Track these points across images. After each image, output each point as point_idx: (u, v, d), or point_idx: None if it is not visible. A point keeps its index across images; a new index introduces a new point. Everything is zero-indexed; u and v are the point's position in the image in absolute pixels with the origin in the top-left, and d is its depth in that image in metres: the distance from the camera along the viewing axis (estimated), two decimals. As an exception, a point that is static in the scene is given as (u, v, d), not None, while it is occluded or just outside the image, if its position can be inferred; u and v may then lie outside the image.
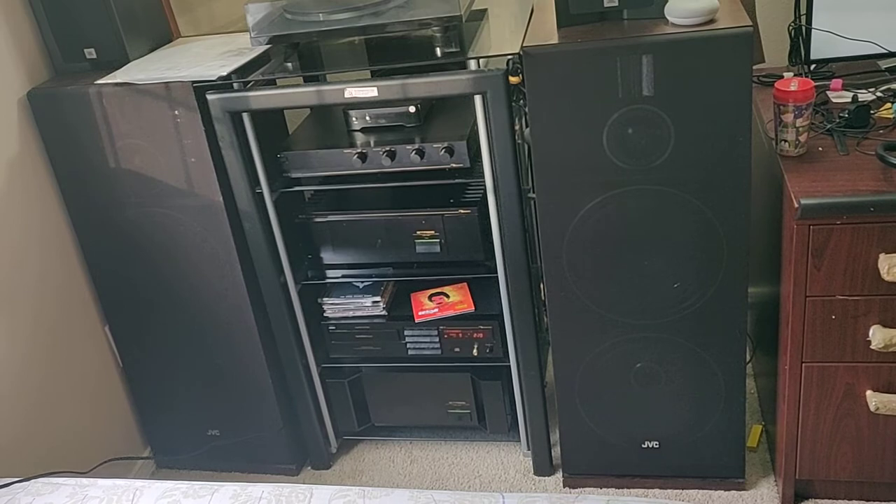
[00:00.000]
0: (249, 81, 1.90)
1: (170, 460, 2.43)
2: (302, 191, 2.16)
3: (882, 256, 1.60)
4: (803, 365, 1.77)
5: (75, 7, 2.00)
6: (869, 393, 1.75)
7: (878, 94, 1.90)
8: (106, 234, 2.11)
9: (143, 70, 1.96)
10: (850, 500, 1.95)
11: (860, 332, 1.70)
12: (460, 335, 2.13)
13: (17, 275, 2.01)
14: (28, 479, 1.59)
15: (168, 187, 2.00)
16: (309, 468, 2.36)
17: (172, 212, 2.03)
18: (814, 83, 1.71)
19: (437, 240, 2.03)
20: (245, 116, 1.91)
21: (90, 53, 2.05)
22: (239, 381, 2.22)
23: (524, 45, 1.68)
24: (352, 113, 2.03)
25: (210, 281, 2.09)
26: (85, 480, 1.58)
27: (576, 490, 2.13)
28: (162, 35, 2.21)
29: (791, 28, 2.00)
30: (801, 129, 1.72)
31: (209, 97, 1.87)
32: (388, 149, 1.92)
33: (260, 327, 2.13)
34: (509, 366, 2.11)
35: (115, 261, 2.14)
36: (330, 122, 2.18)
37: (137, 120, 1.94)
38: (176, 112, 1.91)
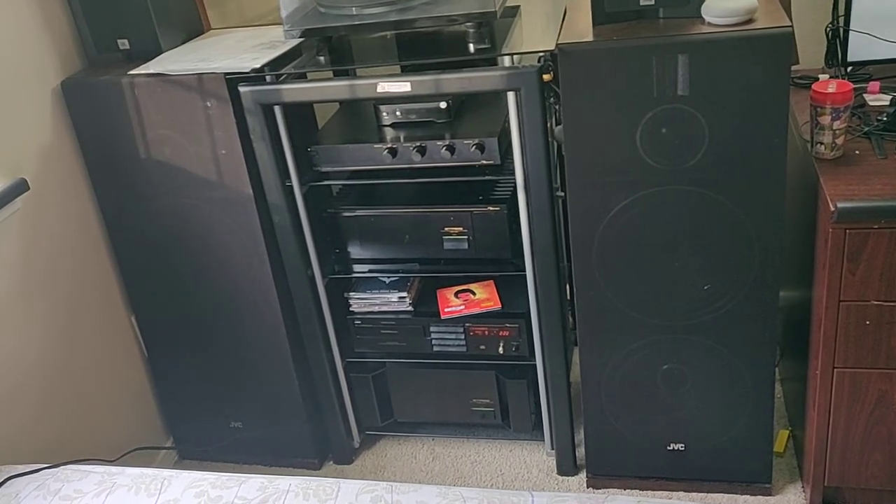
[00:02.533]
0: (282, 74, 1.90)
1: (192, 451, 2.43)
2: (331, 185, 2.16)
3: (920, 262, 1.59)
4: (835, 370, 1.75)
5: (110, -2, 2.01)
6: (901, 400, 1.73)
7: (917, 97, 1.88)
8: (135, 224, 2.12)
9: (177, 61, 1.96)
10: (878, 508, 1.94)
11: (895, 339, 1.67)
12: (486, 333, 2.12)
13: (47, 263, 2.02)
14: (57, 466, 1.60)
15: (198, 179, 2.00)
16: (331, 463, 2.36)
17: (202, 203, 2.03)
18: (852, 85, 1.69)
19: (465, 236, 2.02)
20: (277, 109, 1.91)
21: (123, 44, 2.06)
22: (263, 374, 2.23)
23: (559, 42, 1.67)
24: (382, 108, 2.02)
25: (237, 273, 2.10)
26: (113, 469, 1.59)
27: (600, 491, 2.12)
28: (194, 27, 2.22)
29: (828, 29, 1.98)
30: (838, 131, 1.70)
31: (241, 89, 1.87)
32: (418, 144, 1.92)
33: (286, 320, 2.13)
34: (535, 364, 2.10)
35: (143, 251, 2.15)
36: (360, 117, 2.18)
37: (169, 111, 1.95)
38: (208, 104, 1.91)
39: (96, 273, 2.18)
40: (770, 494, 2.03)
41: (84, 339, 2.14)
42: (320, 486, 1.48)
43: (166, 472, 1.56)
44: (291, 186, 1.99)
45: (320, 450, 2.34)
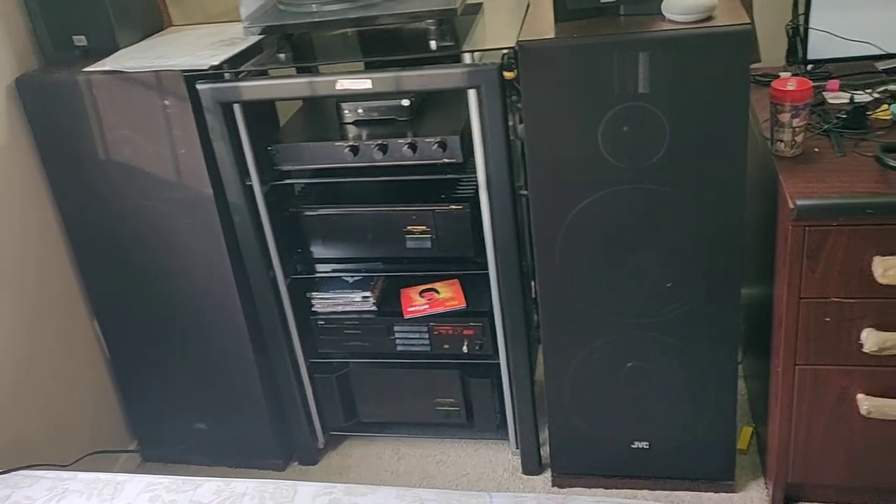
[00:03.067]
0: (241, 72, 1.88)
1: (155, 454, 2.40)
2: (292, 184, 2.14)
3: (877, 259, 1.59)
4: (796, 367, 1.75)
5: (66, -7, 1.97)
6: (860, 396, 1.74)
7: (876, 95, 1.89)
8: (94, 225, 2.08)
9: (134, 58, 1.93)
10: (840, 504, 1.95)
11: (854, 336, 1.68)
12: (450, 332, 2.11)
13: (5, 265, 1.98)
14: (8, 472, 1.56)
15: (157, 179, 1.97)
16: (296, 463, 2.34)
17: (161, 203, 2.00)
18: (811, 83, 1.70)
19: (429, 235, 2.01)
20: (236, 107, 1.88)
21: (80, 41, 2.02)
22: (226, 375, 2.20)
23: (520, 39, 1.66)
24: (344, 106, 2.00)
25: (199, 274, 2.07)
26: (65, 474, 1.56)
27: (563, 490, 2.11)
28: (153, 24, 2.19)
29: (789, 28, 1.99)
30: (797, 129, 1.71)
31: (200, 87, 1.84)
32: (380, 142, 1.90)
33: (248, 321, 2.11)
34: (499, 363, 2.09)
35: (103, 252, 2.11)
36: (322, 115, 2.15)
37: (127, 109, 1.91)
38: (166, 102, 1.88)
39: (56, 275, 2.14)
40: (733, 491, 2.03)
41: (45, 342, 2.10)
42: (277, 488, 1.46)
43: (120, 477, 1.53)
44: (252, 186, 1.96)
45: (284, 451, 2.32)
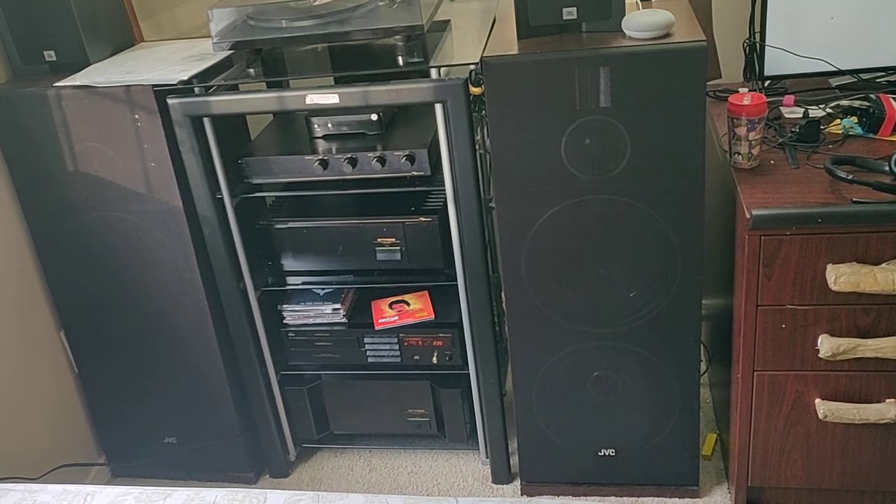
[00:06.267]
0: (211, 86, 1.90)
1: (125, 467, 2.40)
2: (263, 197, 2.16)
3: (829, 267, 1.64)
4: (755, 373, 1.80)
5: (35, 8, 1.98)
6: (818, 401, 1.79)
7: (829, 110, 1.96)
8: (63, 239, 2.08)
9: (104, 73, 1.95)
10: (800, 507, 1.99)
11: (809, 341, 1.73)
12: (420, 343, 2.14)
13: (-29, 278, 1.98)
14: (-25, 485, 1.56)
15: (127, 192, 1.98)
16: (267, 476, 2.34)
17: (131, 217, 2.01)
18: (766, 98, 1.76)
19: (398, 247, 2.04)
20: (206, 121, 1.91)
21: (49, 56, 2.03)
22: (196, 388, 2.21)
23: (484, 55, 1.70)
24: (314, 120, 2.03)
25: (168, 287, 2.08)
26: (34, 486, 1.56)
27: (533, 499, 2.14)
28: (124, 39, 2.21)
29: (745, 45, 2.05)
30: (753, 142, 1.76)
31: (170, 101, 1.86)
32: (349, 156, 1.93)
33: (218, 334, 2.12)
34: (468, 374, 2.12)
35: (71, 265, 2.12)
36: (292, 129, 2.18)
37: (97, 123, 1.93)
38: (136, 116, 1.90)
39: (24, 288, 2.14)
40: (698, 496, 2.07)
41: (12, 355, 2.09)
42: (247, 496, 1.47)
43: (89, 488, 1.53)
44: (222, 199, 1.98)
45: (256, 464, 2.32)
